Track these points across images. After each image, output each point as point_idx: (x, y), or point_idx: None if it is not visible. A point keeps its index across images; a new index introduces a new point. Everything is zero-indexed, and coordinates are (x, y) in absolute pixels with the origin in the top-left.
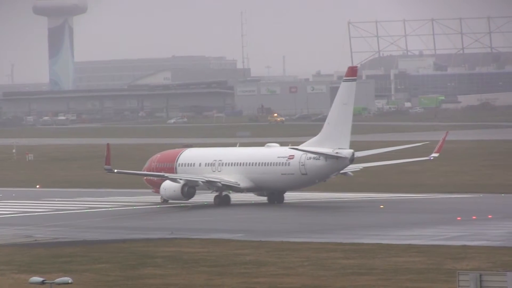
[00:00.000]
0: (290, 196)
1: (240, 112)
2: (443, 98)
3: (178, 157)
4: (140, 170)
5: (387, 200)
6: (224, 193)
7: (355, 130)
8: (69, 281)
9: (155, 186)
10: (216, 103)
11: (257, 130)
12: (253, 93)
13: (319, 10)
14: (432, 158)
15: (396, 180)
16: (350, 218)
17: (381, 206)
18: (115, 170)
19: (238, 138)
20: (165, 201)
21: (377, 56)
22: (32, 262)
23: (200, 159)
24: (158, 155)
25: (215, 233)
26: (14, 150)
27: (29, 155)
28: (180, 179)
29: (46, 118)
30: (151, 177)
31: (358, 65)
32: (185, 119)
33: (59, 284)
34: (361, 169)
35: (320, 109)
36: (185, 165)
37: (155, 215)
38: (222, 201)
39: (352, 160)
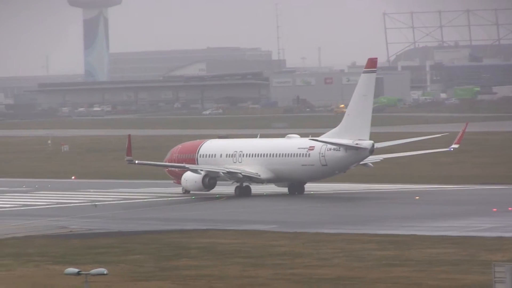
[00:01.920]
0: (320, 187)
1: (275, 103)
2: (478, 89)
3: (199, 148)
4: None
5: (422, 191)
6: (244, 184)
7: (389, 121)
8: (105, 272)
9: (177, 177)
10: (251, 94)
11: (293, 121)
12: (288, 84)
13: (354, 1)
14: (452, 149)
15: (430, 172)
16: (385, 210)
17: (416, 198)
18: (136, 161)
19: (274, 129)
20: (186, 192)
21: (413, 47)
22: (67, 253)
23: (221, 150)
24: (179, 146)
25: (249, 224)
26: (49, 142)
27: (64, 146)
28: (201, 170)
29: (81, 109)
30: (173, 168)
31: (392, 57)
32: (220, 110)
33: (94, 275)
34: (381, 160)
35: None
36: (206, 156)
37: (189, 206)
38: (243, 192)
39: (372, 151)
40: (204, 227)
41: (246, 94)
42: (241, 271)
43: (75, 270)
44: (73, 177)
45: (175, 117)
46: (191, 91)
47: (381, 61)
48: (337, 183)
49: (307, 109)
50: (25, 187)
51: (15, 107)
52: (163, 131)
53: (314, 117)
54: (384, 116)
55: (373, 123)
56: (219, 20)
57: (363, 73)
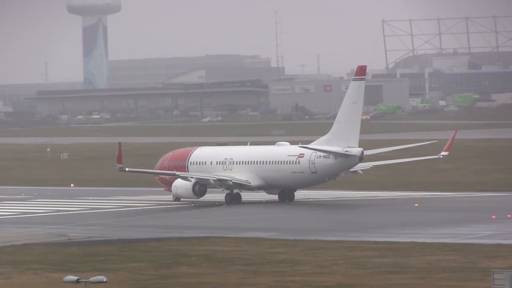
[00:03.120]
0: (319, 194)
1: (274, 110)
2: (477, 96)
3: (190, 156)
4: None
5: (421, 198)
6: (235, 191)
7: (388, 128)
8: (104, 280)
9: (167, 184)
10: (250, 102)
11: (292, 128)
12: (287, 92)
13: (353, 9)
14: (441, 156)
15: (430, 179)
16: (384, 217)
17: (416, 205)
18: (127, 169)
19: (274, 136)
20: (177, 199)
21: (412, 55)
22: (66, 261)
23: (212, 157)
24: (170, 154)
25: (249, 231)
26: (48, 149)
27: (63, 153)
28: (192, 177)
29: (80, 117)
30: (163, 176)
31: (391, 64)
32: (219, 118)
33: (93, 283)
34: (371, 167)
35: None
36: (196, 164)
37: (188, 213)
38: (233, 199)
39: (362, 158)
40: (204, 235)
41: (245, 102)
42: (241, 278)
43: (74, 278)
44: (72, 185)
45: (174, 125)
46: (190, 98)
47: (380, 68)
48: (336, 190)
49: (306, 117)
50: (24, 195)
51: (14, 114)
52: (162, 139)
53: (313, 125)
54: (383, 123)
55: (372, 130)
56: (218, 28)
57: (353, 80)
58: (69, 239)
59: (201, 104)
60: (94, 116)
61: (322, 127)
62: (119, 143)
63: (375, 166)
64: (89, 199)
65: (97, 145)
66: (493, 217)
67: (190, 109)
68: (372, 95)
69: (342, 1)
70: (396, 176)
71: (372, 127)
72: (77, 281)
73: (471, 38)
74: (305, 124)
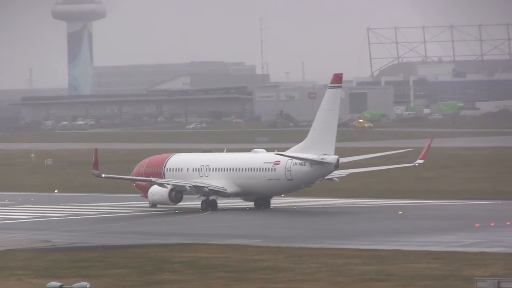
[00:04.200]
0: (303, 201)
1: (259, 117)
2: (461, 104)
3: (166, 162)
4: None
5: (405, 206)
6: (211, 198)
7: (372, 136)
8: (87, 286)
9: (144, 190)
10: (235, 109)
11: (276, 135)
12: (272, 99)
13: (338, 16)
14: (417, 164)
15: (413, 187)
16: (368, 224)
17: (400, 212)
18: (103, 175)
19: (258, 143)
20: (153, 205)
21: (396, 62)
22: (50, 267)
23: (188, 164)
24: (146, 160)
25: (233, 238)
26: (32, 155)
27: (48, 159)
28: (168, 184)
29: (64, 122)
30: (140, 182)
31: (376, 72)
32: (204, 124)
33: None
34: (346, 175)
35: (339, 115)
36: (173, 170)
37: (172, 220)
38: (209, 206)
39: (337, 166)
40: (188, 241)
41: (230, 108)
42: (224, 285)
43: (58, 284)
44: (56, 191)
45: (159, 131)
46: (175, 105)
47: (365, 76)
48: (320, 198)
49: (291, 124)
50: (7, 201)
51: None
52: (146, 145)
53: (297, 132)
54: (366, 131)
55: (355, 138)
56: (203, 34)
57: (329, 88)
58: (53, 245)
59: (185, 111)
60: (78, 122)
61: (306, 135)
62: (95, 149)
63: (359, 174)
64: (73, 205)
65: (82, 151)
66: (476, 225)
67: (175, 116)
68: (356, 102)
69: (327, 9)
70: (380, 184)
71: (355, 134)
72: (60, 287)
73: (456, 46)
74: (289, 131)
